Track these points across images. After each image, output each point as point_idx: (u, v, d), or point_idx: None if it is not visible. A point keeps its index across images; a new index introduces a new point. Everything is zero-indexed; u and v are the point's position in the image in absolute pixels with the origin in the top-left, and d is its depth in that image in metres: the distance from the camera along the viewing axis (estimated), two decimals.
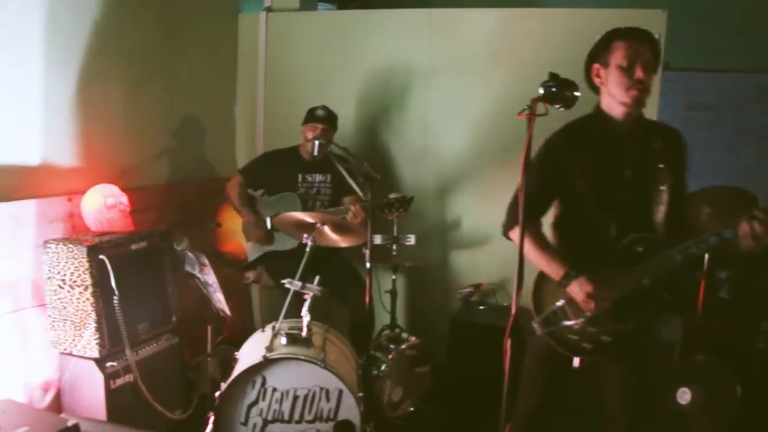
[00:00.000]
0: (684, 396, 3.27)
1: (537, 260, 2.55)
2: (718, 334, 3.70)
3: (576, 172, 2.52)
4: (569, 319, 2.46)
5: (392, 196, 3.74)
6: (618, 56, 2.39)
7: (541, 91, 2.11)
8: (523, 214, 2.61)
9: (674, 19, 3.89)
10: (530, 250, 2.54)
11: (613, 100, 2.43)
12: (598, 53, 2.48)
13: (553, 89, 2.11)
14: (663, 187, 2.43)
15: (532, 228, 2.59)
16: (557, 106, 2.14)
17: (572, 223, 2.60)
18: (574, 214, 2.59)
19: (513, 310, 2.13)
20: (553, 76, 2.13)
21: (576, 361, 2.51)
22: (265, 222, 3.97)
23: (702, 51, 5.23)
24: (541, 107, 2.11)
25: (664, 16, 3.84)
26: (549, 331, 2.51)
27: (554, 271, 2.50)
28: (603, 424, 2.55)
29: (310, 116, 3.97)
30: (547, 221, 2.68)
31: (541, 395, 2.65)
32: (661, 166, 2.42)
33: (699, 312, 3.64)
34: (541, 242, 2.57)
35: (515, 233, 2.59)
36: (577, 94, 2.14)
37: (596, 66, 2.49)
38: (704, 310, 3.66)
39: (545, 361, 2.61)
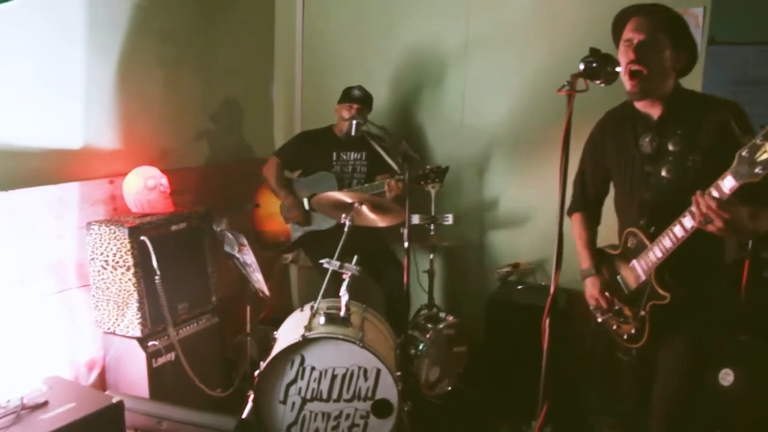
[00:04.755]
0: (726, 377, 3.20)
1: (577, 248, 2.65)
2: (763, 315, 3.61)
3: (607, 156, 2.53)
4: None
5: (428, 167, 3.73)
6: (621, 40, 2.29)
7: (582, 66, 2.07)
8: (573, 202, 2.68)
9: None
10: (575, 237, 2.66)
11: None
12: (617, 40, 2.35)
13: (594, 65, 2.07)
14: (664, 173, 2.28)
15: (582, 217, 2.69)
16: (598, 81, 2.09)
17: (616, 208, 2.60)
18: (616, 198, 2.59)
19: (552, 290, 2.12)
20: (594, 52, 2.09)
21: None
22: (302, 203, 3.99)
23: (751, 23, 5.06)
24: (581, 83, 2.07)
25: None
26: (604, 320, 2.52)
27: (582, 261, 2.61)
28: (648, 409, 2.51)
29: (346, 96, 3.97)
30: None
31: (630, 390, 2.66)
32: (671, 146, 2.26)
33: (742, 292, 3.56)
34: (582, 232, 2.66)
35: (573, 221, 2.70)
36: (618, 69, 2.10)
37: (619, 52, 2.34)
38: (748, 290, 3.58)
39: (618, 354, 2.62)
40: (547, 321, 2.14)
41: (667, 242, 2.19)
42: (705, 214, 1.97)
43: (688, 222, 2.09)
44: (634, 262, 2.35)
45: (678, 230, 2.13)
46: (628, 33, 2.25)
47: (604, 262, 2.55)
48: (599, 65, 2.06)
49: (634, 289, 2.39)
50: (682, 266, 2.23)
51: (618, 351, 2.57)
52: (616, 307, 2.45)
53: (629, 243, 2.39)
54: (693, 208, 2.03)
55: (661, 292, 2.26)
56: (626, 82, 2.26)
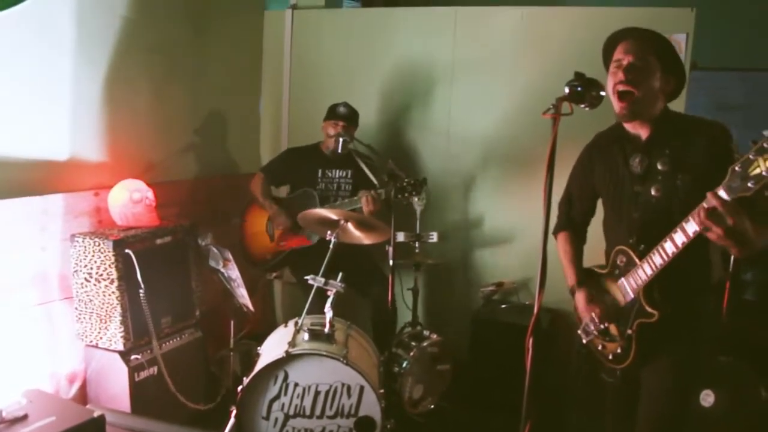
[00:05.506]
0: (707, 398, 3.24)
1: (563, 266, 2.67)
2: (743, 336, 3.66)
3: (595, 179, 2.56)
4: (593, 331, 2.50)
5: (405, 179, 3.74)
6: (611, 67, 2.31)
7: (567, 90, 2.09)
8: (558, 222, 2.71)
9: (703, 18, 3.82)
10: (560, 255, 2.67)
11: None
12: (607, 62, 2.39)
13: (579, 89, 2.08)
14: (653, 192, 2.29)
15: (567, 236, 2.70)
16: (582, 105, 2.11)
17: (604, 228, 2.62)
18: (605, 218, 2.62)
19: (535, 309, 2.12)
20: (579, 76, 2.11)
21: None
22: (287, 212, 3.99)
23: (731, 50, 5.15)
24: (566, 107, 2.09)
25: (692, 15, 3.78)
26: (589, 341, 2.54)
27: (569, 281, 2.62)
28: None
29: (332, 113, 3.98)
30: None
31: (613, 412, 2.66)
32: (660, 166, 2.28)
33: (723, 313, 3.60)
34: (568, 248, 2.67)
35: (558, 240, 2.71)
36: (602, 93, 2.11)
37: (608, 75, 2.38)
38: (729, 311, 3.63)
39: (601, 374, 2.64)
40: (531, 340, 2.14)
41: (657, 259, 2.19)
42: (708, 216, 1.95)
43: (679, 237, 2.09)
44: (623, 279, 2.36)
45: (669, 246, 2.14)
46: (618, 54, 2.28)
47: (592, 279, 2.56)
48: (584, 89, 2.08)
49: (622, 308, 2.40)
50: (671, 285, 2.24)
51: (602, 372, 2.58)
52: (603, 326, 2.46)
53: (618, 261, 2.40)
54: (692, 215, 2.03)
55: (649, 309, 2.27)
56: (615, 104, 2.29)
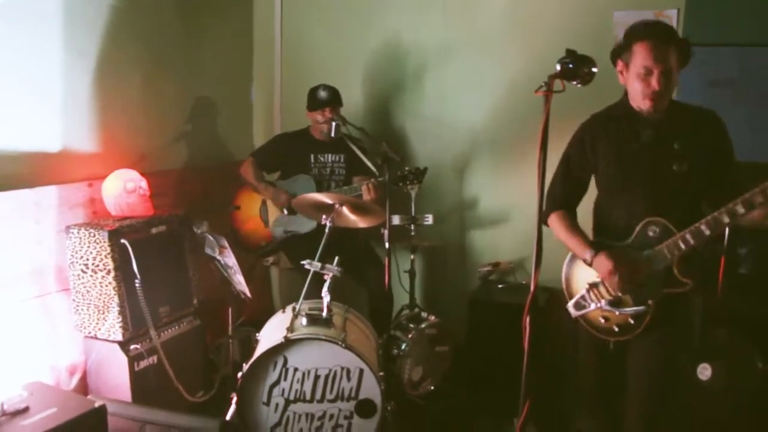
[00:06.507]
0: (704, 372, 3.26)
1: (567, 242, 2.66)
2: (739, 310, 3.68)
3: (598, 157, 2.59)
4: (594, 302, 2.53)
5: (406, 168, 3.76)
6: (637, 62, 2.38)
7: (558, 67, 2.11)
8: (550, 203, 2.71)
9: None
10: (561, 233, 2.67)
11: (633, 100, 2.47)
12: (622, 51, 2.45)
13: (570, 66, 2.10)
14: (675, 168, 2.42)
15: (562, 215, 2.70)
16: (574, 82, 2.13)
17: (601, 207, 2.68)
18: (602, 197, 2.67)
19: (532, 288, 2.15)
20: (570, 53, 2.12)
21: (611, 344, 2.57)
22: (284, 190, 3.98)
23: (722, 25, 5.13)
24: (558, 84, 2.10)
25: None
26: (581, 315, 2.58)
27: (581, 252, 2.60)
28: (624, 403, 2.57)
29: (314, 101, 3.96)
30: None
31: (594, 378, 2.77)
32: (677, 146, 2.42)
33: (719, 288, 3.63)
34: (570, 225, 2.67)
35: (551, 223, 2.70)
36: (594, 70, 2.13)
37: (620, 63, 2.47)
38: (724, 286, 3.65)
39: (588, 346, 2.69)
40: (528, 319, 2.16)
41: (705, 230, 2.31)
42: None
43: (740, 209, 2.23)
44: (661, 247, 2.42)
45: (724, 218, 2.26)
46: (647, 61, 2.34)
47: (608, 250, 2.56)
48: (575, 66, 2.09)
49: (647, 278, 2.45)
50: (698, 256, 2.42)
51: (590, 347, 2.67)
52: (619, 295, 2.50)
53: (650, 232, 2.45)
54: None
55: (682, 279, 2.39)
56: (645, 104, 2.40)
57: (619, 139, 2.52)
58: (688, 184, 2.42)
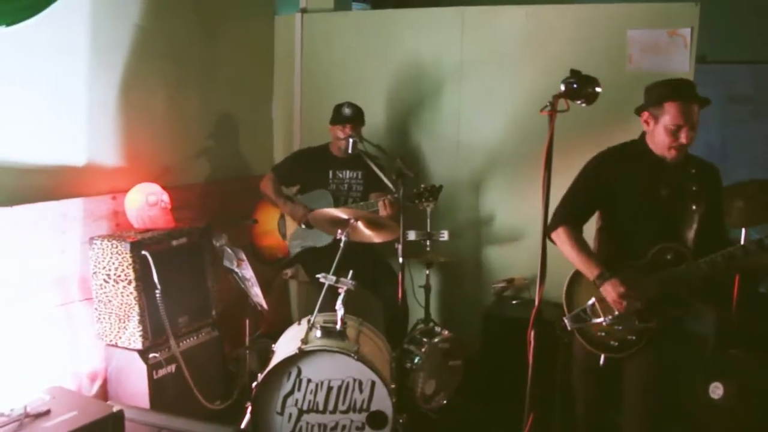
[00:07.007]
0: (716, 390, 3.26)
1: (575, 260, 2.75)
2: (756, 329, 3.68)
3: (617, 186, 2.75)
4: (598, 317, 2.59)
5: (422, 186, 3.82)
6: (667, 119, 2.59)
7: (563, 87, 2.17)
8: (561, 217, 2.78)
9: (711, 11, 3.87)
10: (569, 250, 2.76)
11: (655, 147, 2.68)
12: (650, 105, 2.66)
13: (574, 86, 2.17)
14: (694, 207, 2.68)
15: (571, 230, 2.80)
16: (579, 102, 2.19)
17: (611, 232, 2.82)
18: (613, 223, 2.81)
19: (536, 302, 2.20)
20: (575, 73, 2.19)
21: (602, 359, 2.62)
22: (301, 204, 4.06)
23: (739, 43, 5.15)
24: (562, 104, 2.17)
25: (696, 10, 3.81)
26: (578, 328, 2.63)
27: (590, 271, 2.68)
28: (622, 420, 2.63)
29: (338, 117, 4.04)
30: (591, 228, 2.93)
31: (588, 395, 2.88)
32: (695, 188, 2.67)
33: (734, 307, 3.63)
34: (579, 243, 2.77)
35: (557, 235, 2.74)
36: (598, 90, 2.19)
37: (646, 114, 2.69)
38: (740, 304, 3.65)
39: (581, 360, 2.75)
40: (532, 333, 2.21)
41: (719, 260, 2.53)
42: None
43: (753, 247, 2.50)
44: (670, 272, 2.60)
45: (738, 252, 2.51)
46: (678, 120, 2.59)
47: (618, 269, 2.68)
48: (579, 86, 2.16)
49: (654, 297, 2.59)
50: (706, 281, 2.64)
51: (584, 360, 2.76)
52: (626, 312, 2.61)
53: (667, 255, 2.64)
54: None
55: (687, 300, 2.65)
56: (670, 154, 2.66)
57: (643, 175, 2.71)
58: (697, 222, 2.69)
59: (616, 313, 2.56)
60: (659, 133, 2.64)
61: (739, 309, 3.66)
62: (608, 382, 2.69)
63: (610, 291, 2.59)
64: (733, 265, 2.54)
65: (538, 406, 2.27)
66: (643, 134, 2.76)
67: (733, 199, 3.56)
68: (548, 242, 2.64)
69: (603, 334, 2.60)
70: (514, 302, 4.20)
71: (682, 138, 2.58)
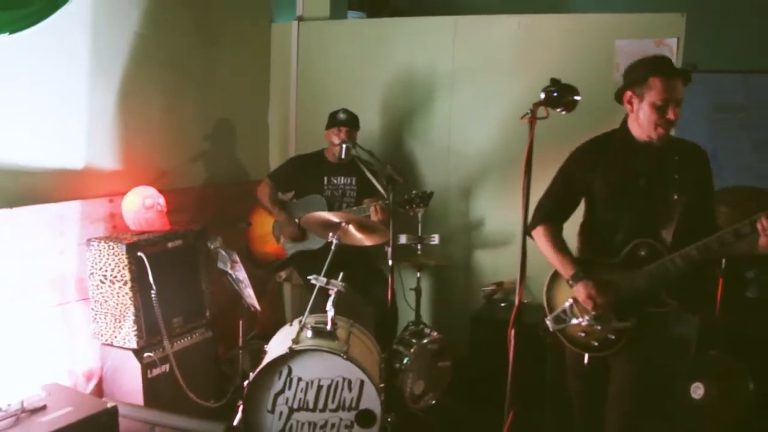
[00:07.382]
0: (697, 390, 3.33)
1: (551, 259, 2.74)
2: (739, 331, 3.73)
3: (595, 177, 2.68)
4: (576, 318, 2.62)
5: (413, 192, 3.90)
6: (653, 94, 2.48)
7: (543, 95, 2.25)
8: (541, 215, 2.80)
9: (701, 21, 3.96)
10: (547, 249, 2.74)
11: (640, 129, 2.56)
12: (633, 83, 2.56)
13: (554, 94, 2.25)
14: (676, 197, 2.55)
15: (550, 228, 2.77)
16: (559, 109, 2.26)
17: (592, 227, 2.77)
18: (593, 218, 2.76)
19: (516, 302, 2.27)
20: (555, 82, 2.27)
21: (586, 358, 2.66)
22: (295, 220, 4.14)
23: (728, 52, 5.23)
24: (542, 111, 2.24)
25: (682, 20, 3.88)
26: (560, 329, 2.67)
27: (565, 270, 2.68)
28: (606, 418, 2.67)
29: (333, 121, 4.13)
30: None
31: (580, 394, 2.86)
32: (677, 176, 2.55)
33: (717, 310, 3.69)
34: (556, 242, 2.74)
35: (537, 234, 2.76)
36: (577, 98, 2.26)
37: (629, 94, 2.57)
38: (725, 308, 3.71)
39: (572, 362, 2.80)
40: (512, 332, 2.28)
41: (694, 253, 2.45)
42: None
43: (730, 237, 2.38)
44: (647, 269, 2.54)
45: (714, 243, 2.42)
46: (665, 93, 2.47)
47: (592, 268, 2.65)
48: (560, 94, 2.24)
49: (630, 297, 2.56)
50: (687, 280, 2.54)
51: (569, 359, 2.79)
52: (596, 312, 2.59)
53: (640, 252, 2.57)
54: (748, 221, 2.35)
55: (667, 300, 2.52)
56: (657, 132, 2.51)
57: (621, 164, 2.62)
58: (681, 211, 2.57)
59: (593, 313, 2.58)
60: (645, 112, 2.51)
61: (724, 312, 3.71)
62: (599, 382, 2.67)
63: (581, 291, 2.59)
64: (710, 257, 2.46)
65: (518, 404, 2.33)
66: (625, 121, 2.66)
67: (718, 205, 3.62)
68: (533, 243, 2.71)
69: (583, 334, 2.62)
70: (503, 305, 4.27)
71: (670, 113, 2.46)
